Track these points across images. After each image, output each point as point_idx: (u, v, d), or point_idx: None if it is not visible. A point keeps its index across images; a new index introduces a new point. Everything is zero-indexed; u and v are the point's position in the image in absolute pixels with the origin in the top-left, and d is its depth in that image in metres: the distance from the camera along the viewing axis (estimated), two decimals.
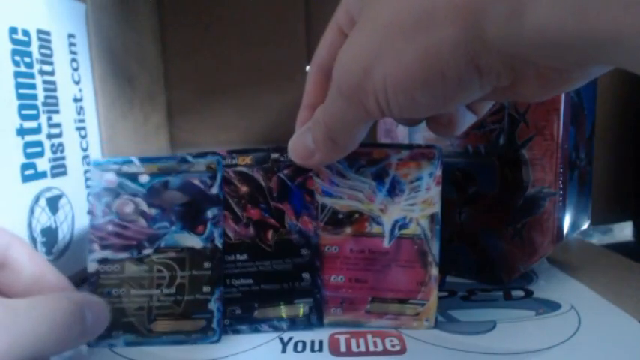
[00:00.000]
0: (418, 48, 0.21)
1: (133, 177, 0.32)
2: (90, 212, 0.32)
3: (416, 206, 0.32)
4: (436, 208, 0.31)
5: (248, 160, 0.32)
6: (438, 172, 0.31)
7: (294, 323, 0.32)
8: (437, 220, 0.31)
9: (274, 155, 0.32)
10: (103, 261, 0.31)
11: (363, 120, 0.26)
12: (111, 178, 0.32)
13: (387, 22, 0.22)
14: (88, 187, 0.43)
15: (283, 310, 0.32)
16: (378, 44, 0.22)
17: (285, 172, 0.32)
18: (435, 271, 0.31)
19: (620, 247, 0.48)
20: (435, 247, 0.31)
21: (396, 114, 0.24)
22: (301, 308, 0.32)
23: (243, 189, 0.32)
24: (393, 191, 0.32)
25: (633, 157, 0.53)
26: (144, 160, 0.32)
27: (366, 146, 0.32)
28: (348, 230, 0.32)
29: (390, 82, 0.22)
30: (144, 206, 0.32)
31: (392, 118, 0.26)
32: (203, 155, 0.32)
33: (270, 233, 0.32)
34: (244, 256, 0.32)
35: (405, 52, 0.21)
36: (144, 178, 0.32)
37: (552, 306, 0.34)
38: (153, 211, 0.32)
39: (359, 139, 0.27)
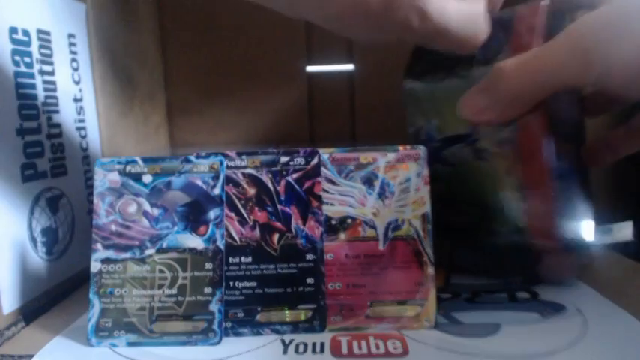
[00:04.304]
0: None
1: (137, 177, 0.32)
2: (93, 212, 0.32)
3: (407, 207, 0.32)
4: (427, 208, 0.32)
5: (257, 162, 0.32)
6: (425, 172, 0.32)
7: (296, 328, 0.31)
8: (428, 219, 0.32)
9: (283, 159, 0.32)
10: (105, 261, 0.31)
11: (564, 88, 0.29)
12: (114, 178, 0.32)
13: None
14: (88, 187, 0.43)
15: (286, 315, 0.32)
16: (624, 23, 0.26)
17: (294, 176, 0.32)
18: (431, 270, 0.32)
19: (620, 247, 0.48)
20: (429, 246, 0.32)
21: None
22: (304, 313, 0.32)
23: (251, 191, 0.32)
24: (384, 194, 0.32)
25: (633, 156, 0.53)
26: (147, 161, 0.32)
27: (353, 151, 0.32)
28: (342, 236, 0.32)
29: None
30: (146, 206, 0.32)
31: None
32: (209, 156, 0.32)
33: (275, 237, 0.32)
34: (249, 259, 0.32)
35: None
36: (147, 179, 0.32)
37: (558, 308, 0.34)
38: (155, 212, 0.32)
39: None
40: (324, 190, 0.32)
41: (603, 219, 0.55)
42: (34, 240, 0.36)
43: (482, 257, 0.38)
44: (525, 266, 0.37)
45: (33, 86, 0.36)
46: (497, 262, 0.38)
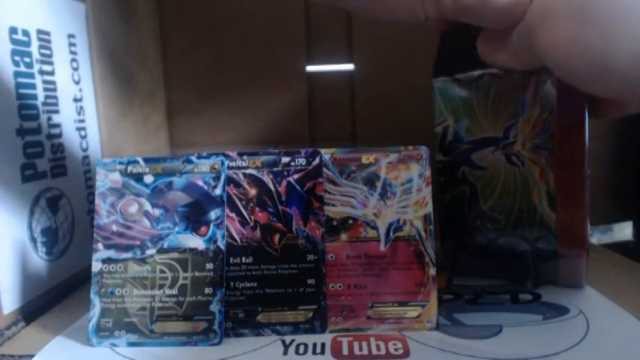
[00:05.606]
0: None
1: (138, 177, 0.32)
2: (95, 212, 0.31)
3: (408, 208, 0.32)
4: (429, 209, 0.32)
5: (258, 162, 0.32)
6: (427, 173, 0.32)
7: (297, 329, 0.31)
8: (430, 220, 0.32)
9: (285, 159, 0.32)
10: (106, 261, 0.31)
11: None
12: (116, 178, 0.32)
13: None
14: (88, 187, 0.43)
15: (287, 316, 0.31)
16: None
17: (295, 176, 0.32)
18: (432, 271, 0.31)
19: (620, 247, 0.48)
20: (430, 247, 0.32)
21: None
22: (305, 314, 0.31)
23: (252, 192, 0.32)
24: (385, 194, 0.32)
25: (633, 157, 0.54)
26: (148, 161, 0.32)
27: (354, 152, 0.32)
28: (344, 237, 0.32)
29: None
30: (148, 206, 0.31)
31: None
32: (211, 156, 0.32)
33: (276, 237, 0.32)
34: (250, 260, 0.32)
35: None
36: (148, 179, 0.32)
37: (560, 310, 0.33)
38: (156, 212, 0.31)
39: None
40: (326, 191, 0.32)
41: (603, 219, 0.56)
42: (34, 240, 0.36)
43: (491, 261, 0.37)
44: (538, 270, 0.37)
45: (33, 86, 0.36)
46: (509, 266, 0.37)
